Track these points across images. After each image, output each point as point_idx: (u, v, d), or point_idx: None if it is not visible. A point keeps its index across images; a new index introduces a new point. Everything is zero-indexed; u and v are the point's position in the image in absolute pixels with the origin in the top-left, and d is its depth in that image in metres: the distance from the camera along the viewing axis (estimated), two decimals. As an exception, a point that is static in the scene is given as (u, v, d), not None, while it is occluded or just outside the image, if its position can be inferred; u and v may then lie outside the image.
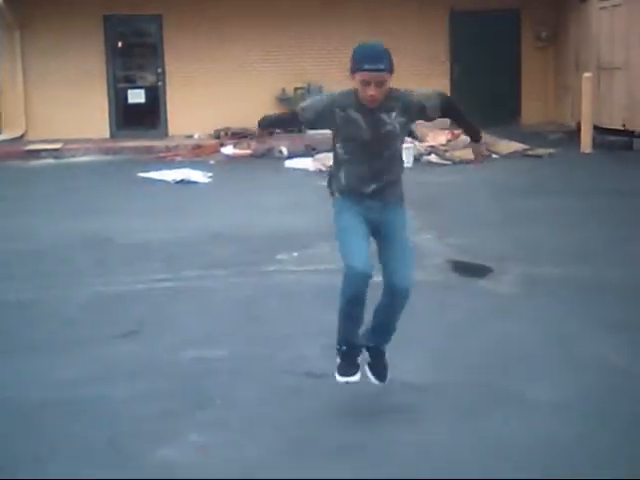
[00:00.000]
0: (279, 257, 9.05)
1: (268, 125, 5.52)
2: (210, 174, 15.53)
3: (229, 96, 20.81)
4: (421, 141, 17.59)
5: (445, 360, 5.97)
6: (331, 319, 5.97)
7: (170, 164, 17.00)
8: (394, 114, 4.90)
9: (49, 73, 20.49)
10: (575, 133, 18.48)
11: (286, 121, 5.38)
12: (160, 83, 21.27)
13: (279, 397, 5.40)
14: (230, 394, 5.49)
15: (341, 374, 5.11)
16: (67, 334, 6.76)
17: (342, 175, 5.02)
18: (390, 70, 4.81)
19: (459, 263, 8.72)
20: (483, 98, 21.15)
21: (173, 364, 6.05)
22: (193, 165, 16.50)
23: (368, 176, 4.95)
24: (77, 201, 13.23)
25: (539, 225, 10.46)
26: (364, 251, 4.84)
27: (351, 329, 5.05)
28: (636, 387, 5.47)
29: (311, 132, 20.53)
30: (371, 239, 5.01)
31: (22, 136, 20.50)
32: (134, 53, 21.88)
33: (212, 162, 17.57)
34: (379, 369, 5.17)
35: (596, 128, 17.79)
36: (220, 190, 14.17)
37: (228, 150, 18.63)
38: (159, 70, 21.25)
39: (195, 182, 14.91)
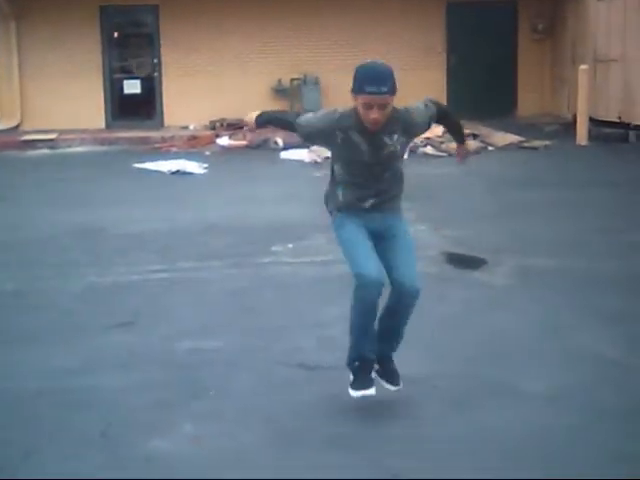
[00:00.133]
0: (274, 248, 9.05)
1: (265, 122, 5.37)
2: (205, 165, 15.52)
3: (225, 87, 20.79)
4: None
5: (439, 352, 5.98)
6: (326, 311, 6.01)
7: (166, 155, 16.98)
8: (396, 136, 4.82)
9: (45, 64, 20.45)
10: (571, 125, 18.48)
11: (283, 124, 5.28)
12: (156, 74, 21.25)
13: (274, 388, 5.41)
14: (225, 385, 5.49)
15: (356, 388, 4.93)
16: (62, 324, 6.76)
17: (340, 193, 4.93)
18: (393, 92, 4.69)
19: (454, 255, 8.72)
20: (479, 89, 21.17)
21: (168, 355, 6.06)
22: (188, 156, 16.49)
23: (367, 195, 4.88)
24: (72, 191, 13.22)
25: (534, 217, 10.47)
26: (373, 258, 4.77)
27: (365, 344, 4.91)
28: (631, 379, 5.48)
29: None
30: None
31: (18, 126, 20.47)
32: (130, 44, 21.85)
33: (208, 153, 17.55)
34: (390, 375, 5.04)
35: (592, 120, 17.80)
36: (215, 181, 14.16)
37: (224, 141, 18.61)
38: (155, 61, 21.22)
39: (190, 173, 14.90)
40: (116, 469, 4.43)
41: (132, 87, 21.23)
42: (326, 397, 5.23)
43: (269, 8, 20.88)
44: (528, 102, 21.77)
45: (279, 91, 21.02)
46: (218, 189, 13.32)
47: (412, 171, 14.47)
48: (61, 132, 19.43)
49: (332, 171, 4.99)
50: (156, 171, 15.02)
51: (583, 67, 17.58)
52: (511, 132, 18.05)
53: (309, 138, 5.08)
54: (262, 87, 20.92)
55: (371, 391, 4.90)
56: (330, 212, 5.07)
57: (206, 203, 11.99)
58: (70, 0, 20.39)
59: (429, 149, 16.79)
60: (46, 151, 18.44)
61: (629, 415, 4.94)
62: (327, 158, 16.83)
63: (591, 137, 17.45)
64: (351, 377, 4.98)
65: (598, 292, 7.31)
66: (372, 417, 4.95)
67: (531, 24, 21.85)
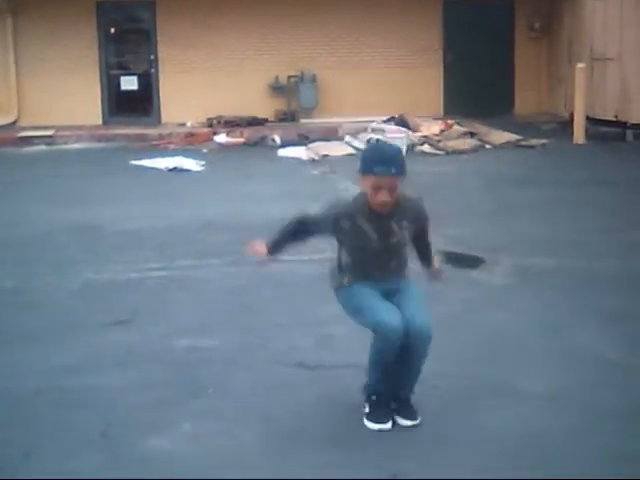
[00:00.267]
0: (272, 246, 9.02)
1: (279, 247, 5.07)
2: (203, 162, 15.50)
3: (222, 84, 20.76)
4: (415, 131, 17.58)
5: (439, 352, 5.92)
6: (325, 309, 5.99)
7: (163, 152, 16.95)
8: (405, 223, 4.75)
9: (42, 60, 20.40)
10: (568, 124, 18.48)
11: (295, 236, 5.03)
12: (153, 70, 21.21)
13: (272, 387, 5.40)
14: (223, 383, 5.49)
15: (373, 421, 4.82)
16: (60, 322, 6.75)
17: (346, 278, 4.85)
18: (402, 173, 4.61)
19: (452, 254, 8.69)
20: (476, 87, 21.17)
21: (166, 353, 6.05)
22: (186, 153, 16.46)
23: (375, 270, 4.80)
24: (69, 188, 13.20)
25: (532, 216, 10.47)
26: (391, 306, 4.68)
27: (383, 380, 4.82)
28: (632, 380, 5.47)
29: (303, 121, 20.57)
30: None
31: (14, 123, 20.43)
32: (127, 40, 21.82)
33: (205, 150, 17.53)
34: (407, 412, 4.87)
35: (589, 119, 17.81)
36: (213, 178, 14.15)
37: (221, 138, 18.60)
38: (152, 57, 21.18)
39: (188, 170, 14.88)
40: (115, 468, 4.43)
41: (129, 83, 21.19)
42: (325, 396, 5.22)
43: (266, 5, 20.86)
44: (525, 100, 21.78)
45: (276, 88, 21.00)
46: (215, 186, 13.31)
47: (409, 169, 14.51)
48: (58, 129, 19.39)
49: (339, 258, 4.88)
50: (153, 168, 15.00)
51: (580, 65, 17.58)
52: (508, 130, 18.05)
53: (320, 232, 4.93)
54: (259, 84, 20.90)
55: (388, 425, 4.80)
56: (335, 289, 4.95)
57: (203, 200, 11.98)
58: (67, -4, 20.38)
59: (426, 147, 16.79)
60: (43, 147, 18.41)
61: (629, 415, 4.93)
62: (325, 156, 16.85)
63: (588, 136, 17.46)
64: (367, 407, 4.87)
65: (598, 292, 7.31)
66: (371, 417, 4.93)
67: (528, 22, 21.85)
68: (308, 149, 16.76)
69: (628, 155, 15.90)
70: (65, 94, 20.30)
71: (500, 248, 8.78)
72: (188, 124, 20.28)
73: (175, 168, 14.89)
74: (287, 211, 10.54)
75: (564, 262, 8.30)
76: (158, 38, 21.05)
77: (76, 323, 6.72)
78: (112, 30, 21.35)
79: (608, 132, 17.67)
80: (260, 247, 5.03)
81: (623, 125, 17.57)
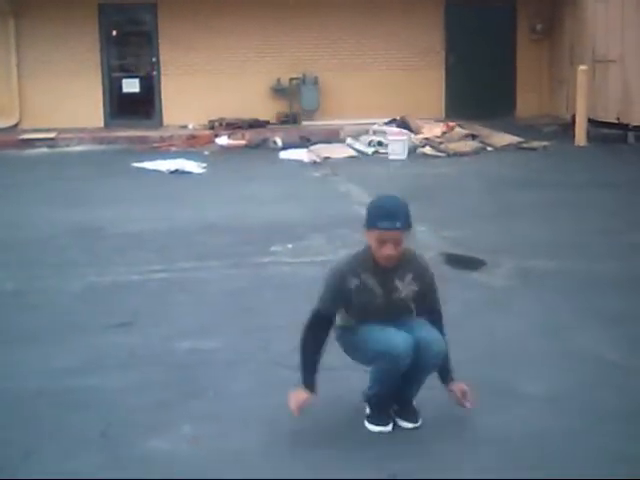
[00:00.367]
0: (274, 248, 9.04)
1: (311, 371, 4.75)
2: (204, 164, 15.51)
3: (224, 86, 20.76)
4: (416, 133, 17.58)
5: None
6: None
7: (164, 154, 16.95)
8: (408, 278, 4.70)
9: (44, 62, 20.41)
10: (570, 126, 18.47)
11: (313, 344, 4.71)
12: (155, 72, 21.22)
13: (273, 389, 5.39)
14: (224, 385, 5.49)
15: (374, 423, 4.81)
16: (62, 324, 6.76)
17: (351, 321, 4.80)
18: (408, 227, 4.58)
19: (453, 256, 8.71)
20: (477, 89, 21.16)
21: (167, 355, 6.06)
22: (187, 155, 16.47)
23: (380, 321, 4.74)
24: (71, 190, 13.20)
25: (533, 218, 10.47)
26: (398, 332, 4.63)
27: (386, 390, 4.79)
28: (632, 381, 5.47)
29: (305, 123, 20.57)
30: None
31: (16, 125, 20.44)
32: (129, 42, 21.82)
33: (206, 152, 17.53)
34: (408, 414, 4.88)
35: (591, 121, 17.79)
36: (214, 181, 14.15)
37: (222, 140, 18.60)
38: (154, 59, 21.19)
39: (189, 172, 14.88)
40: (115, 469, 4.43)
41: (131, 86, 21.19)
42: (325, 398, 5.21)
43: (268, 7, 20.86)
44: (527, 103, 21.77)
45: (278, 90, 21.00)
46: (217, 189, 13.31)
47: (411, 171, 14.54)
48: (60, 131, 19.40)
49: (342, 319, 4.80)
50: (155, 170, 15.00)
51: (582, 68, 17.58)
52: (510, 133, 18.04)
53: (335, 310, 4.75)
54: (261, 86, 20.91)
55: (389, 428, 4.81)
56: (337, 338, 4.90)
57: (205, 203, 11.98)
58: (69, -2, 20.40)
59: (428, 149, 16.78)
60: (45, 150, 18.42)
61: (629, 416, 4.94)
62: (326, 158, 16.85)
63: (590, 138, 17.45)
64: (367, 409, 4.88)
65: (598, 293, 7.31)
66: (372, 418, 4.94)
67: (529, 24, 21.85)
68: (310, 151, 16.76)
69: (630, 157, 15.89)
70: (67, 96, 20.30)
71: (501, 250, 8.79)
72: (190, 126, 20.29)
73: (177, 170, 14.89)
74: (289, 214, 10.67)
75: (565, 264, 8.30)
76: (160, 40, 21.05)
77: (77, 325, 6.73)
78: (114, 32, 21.35)
79: (610, 134, 17.67)
80: (300, 395, 4.73)
81: (625, 127, 17.56)
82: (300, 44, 21.07)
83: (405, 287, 4.72)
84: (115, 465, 4.47)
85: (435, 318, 4.90)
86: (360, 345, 4.73)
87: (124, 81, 21.22)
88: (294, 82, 20.93)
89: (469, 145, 17.06)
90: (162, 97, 21.14)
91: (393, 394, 4.84)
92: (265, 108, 20.71)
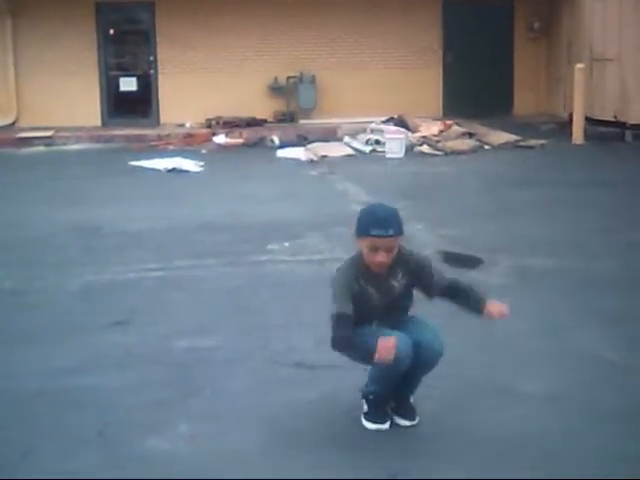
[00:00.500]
0: (271, 247, 9.04)
1: (346, 343, 4.67)
2: (202, 163, 15.50)
3: (221, 85, 20.75)
4: (413, 132, 17.58)
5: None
6: (323, 310, 5.95)
7: (162, 153, 16.93)
8: (400, 275, 4.68)
9: (41, 60, 20.38)
10: (567, 124, 18.47)
11: (342, 325, 4.59)
12: (152, 71, 21.19)
13: (271, 388, 5.40)
14: (221, 384, 5.49)
15: (371, 421, 4.82)
16: (60, 323, 6.75)
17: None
18: (400, 233, 4.57)
19: (450, 254, 8.70)
20: (475, 88, 21.15)
21: (165, 354, 6.05)
22: (185, 154, 16.46)
23: (376, 320, 4.75)
24: (69, 189, 13.19)
25: (531, 216, 10.47)
26: (397, 334, 4.60)
27: (384, 390, 4.79)
28: (631, 380, 5.47)
29: (302, 121, 20.56)
30: None
31: (14, 123, 20.42)
32: (126, 41, 21.79)
33: (204, 151, 17.52)
34: (406, 412, 4.88)
35: (588, 119, 17.80)
36: (212, 179, 14.14)
37: (220, 139, 18.59)
38: (151, 58, 21.17)
39: (187, 171, 14.87)
40: (113, 468, 4.43)
41: (128, 84, 21.16)
42: (324, 397, 5.22)
43: (267, 6, 20.84)
44: (524, 101, 21.76)
45: (275, 89, 20.98)
46: (214, 187, 13.31)
47: (408, 170, 14.54)
48: (57, 129, 19.38)
49: None
50: (152, 169, 14.99)
51: (579, 66, 17.58)
52: (507, 131, 18.04)
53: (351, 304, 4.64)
54: (258, 85, 20.89)
55: (386, 426, 4.81)
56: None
57: (202, 201, 11.97)
58: (66, -3, 20.38)
59: (425, 148, 16.79)
60: (42, 148, 18.40)
61: (629, 416, 4.93)
62: (324, 156, 16.89)
63: (587, 136, 17.46)
64: (365, 407, 4.87)
65: (597, 292, 7.31)
66: (370, 417, 4.93)
67: (527, 23, 21.84)
68: (307, 150, 16.75)
69: (627, 155, 15.90)
70: (64, 95, 20.28)
71: (499, 248, 8.79)
72: (187, 125, 20.27)
73: (174, 169, 14.88)
74: (286, 212, 10.66)
75: (563, 262, 8.30)
76: (157, 39, 21.03)
77: (75, 324, 6.72)
78: (111, 31, 21.31)
79: (607, 132, 17.68)
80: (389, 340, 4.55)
81: (622, 125, 17.56)
82: (298, 43, 21.06)
83: (400, 285, 4.72)
84: (114, 465, 4.47)
85: (456, 286, 4.86)
86: (359, 346, 4.69)
87: (121, 80, 21.19)
88: (292, 80, 20.92)
89: (466, 143, 17.06)
90: (159, 96, 21.12)
91: (392, 391, 4.83)
92: (262, 107, 20.70)
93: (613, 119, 17.80)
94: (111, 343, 6.26)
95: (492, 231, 9.67)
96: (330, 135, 18.52)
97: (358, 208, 4.95)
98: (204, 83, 20.74)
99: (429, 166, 15.05)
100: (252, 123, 19.85)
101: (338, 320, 4.60)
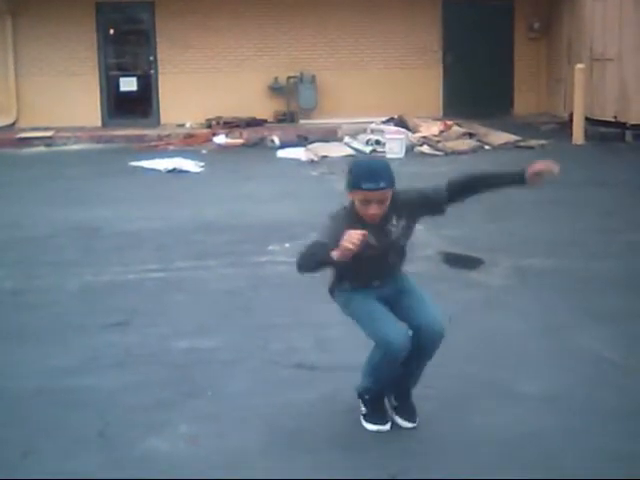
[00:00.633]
0: (271, 247, 9.04)
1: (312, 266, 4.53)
2: (202, 163, 15.49)
3: (221, 85, 20.75)
4: (414, 132, 17.58)
5: (436, 352, 5.96)
6: (323, 310, 5.97)
7: (162, 153, 16.92)
8: (394, 218, 4.64)
9: (41, 60, 20.41)
10: (567, 124, 18.47)
11: (317, 248, 4.44)
12: (152, 71, 21.20)
13: (271, 388, 5.40)
14: (222, 385, 5.49)
15: (371, 422, 4.81)
16: (60, 323, 6.75)
17: (347, 285, 4.78)
18: (391, 185, 4.52)
19: (450, 254, 8.71)
20: (475, 88, 21.15)
21: (165, 354, 6.05)
22: (185, 154, 16.44)
23: (375, 278, 4.74)
24: (69, 189, 13.19)
25: (531, 216, 10.47)
26: (394, 321, 4.61)
27: (379, 384, 4.79)
28: (630, 380, 5.47)
29: (303, 122, 20.57)
30: None
31: (14, 124, 20.43)
32: (126, 41, 21.78)
33: (204, 151, 17.51)
34: (407, 411, 4.86)
35: (588, 119, 17.79)
36: (212, 179, 14.14)
37: (220, 139, 18.59)
38: (151, 58, 21.17)
39: (187, 171, 14.87)
40: (113, 468, 4.43)
41: (128, 85, 21.17)
42: (324, 397, 5.22)
43: (266, 5, 20.85)
44: (524, 101, 21.77)
45: (275, 89, 20.99)
46: (214, 187, 13.30)
47: (408, 170, 14.53)
48: (57, 130, 19.38)
49: (337, 270, 4.74)
50: (152, 169, 14.99)
51: (579, 66, 17.58)
52: (507, 131, 18.04)
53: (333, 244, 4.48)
54: (258, 85, 20.89)
55: (386, 427, 4.80)
56: (335, 297, 4.87)
57: (202, 201, 11.97)
58: (66, -3, 20.39)
59: (425, 148, 16.79)
60: (42, 149, 18.40)
61: (628, 416, 4.93)
62: (324, 157, 16.83)
63: (587, 136, 17.45)
64: (363, 408, 4.86)
65: (596, 292, 7.31)
66: (370, 417, 4.93)
67: (527, 23, 21.84)
68: (307, 150, 16.75)
69: (627, 155, 15.89)
70: (64, 95, 20.28)
71: (499, 249, 8.79)
72: (187, 125, 20.28)
73: (174, 169, 14.88)
74: (286, 212, 10.66)
75: (563, 263, 8.30)
76: (157, 39, 21.03)
77: (75, 324, 6.72)
78: (111, 31, 21.32)
79: (607, 133, 17.66)
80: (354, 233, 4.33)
81: (622, 126, 17.55)
82: (298, 43, 21.06)
83: (396, 228, 4.68)
84: (114, 465, 4.47)
85: (459, 182, 4.94)
86: (361, 322, 4.71)
87: (121, 80, 21.19)
88: (292, 80, 20.92)
89: (467, 144, 17.05)
90: (159, 96, 21.12)
91: (387, 389, 4.83)
92: (263, 107, 20.70)
93: (613, 119, 17.79)
94: (111, 343, 6.26)
95: (492, 231, 9.67)
96: (330, 135, 18.51)
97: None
98: (204, 83, 20.75)
99: (429, 166, 15.03)
100: (252, 123, 19.86)
101: (313, 244, 4.47)
